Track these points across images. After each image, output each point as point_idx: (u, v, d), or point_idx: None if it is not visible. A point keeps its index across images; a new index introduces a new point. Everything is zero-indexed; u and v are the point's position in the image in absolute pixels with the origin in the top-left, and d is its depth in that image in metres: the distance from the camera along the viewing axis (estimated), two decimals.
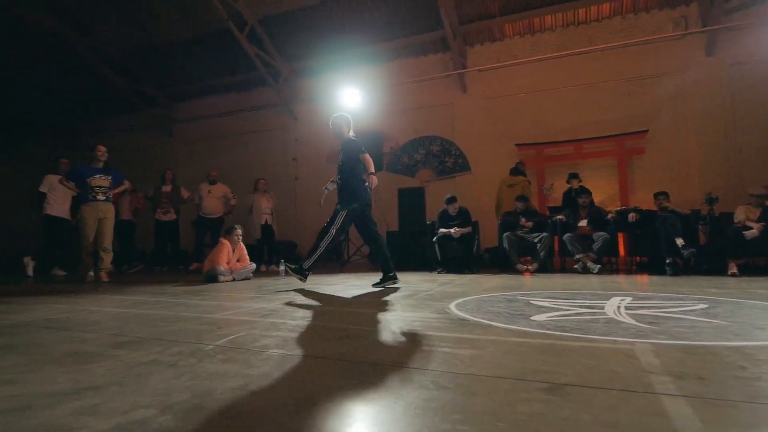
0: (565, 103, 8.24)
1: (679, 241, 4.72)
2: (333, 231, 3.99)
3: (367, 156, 4.01)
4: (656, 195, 5.52)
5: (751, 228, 4.68)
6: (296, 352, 1.49)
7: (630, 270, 5.81)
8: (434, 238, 6.07)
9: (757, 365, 1.25)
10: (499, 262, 6.40)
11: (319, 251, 4.01)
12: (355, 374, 1.22)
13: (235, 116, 11.03)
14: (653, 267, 5.37)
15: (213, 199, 7.65)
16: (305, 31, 9.46)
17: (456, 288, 3.80)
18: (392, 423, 0.87)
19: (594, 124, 7.94)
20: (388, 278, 3.98)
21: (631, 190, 7.62)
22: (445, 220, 6.18)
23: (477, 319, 2.12)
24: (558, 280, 4.60)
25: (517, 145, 8.55)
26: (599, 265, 5.27)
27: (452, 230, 5.97)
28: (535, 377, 1.15)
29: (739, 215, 4.91)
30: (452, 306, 2.60)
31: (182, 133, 11.82)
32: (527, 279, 4.84)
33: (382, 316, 2.25)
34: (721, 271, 4.84)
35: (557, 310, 2.42)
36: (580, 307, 2.51)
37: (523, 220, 6.20)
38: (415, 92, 9.42)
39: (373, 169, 3.94)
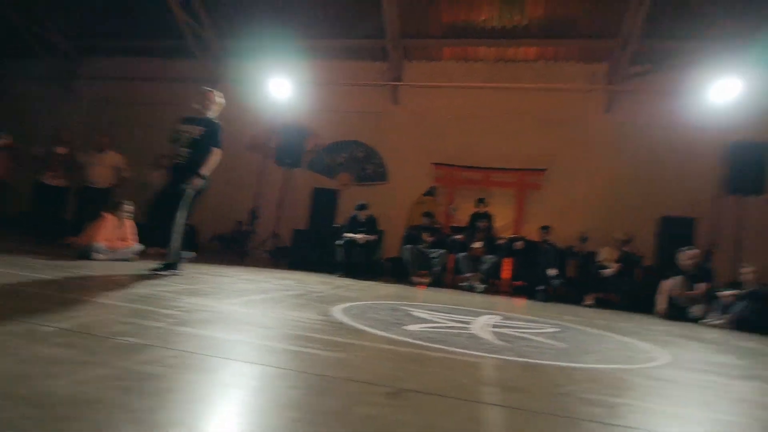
0: (484, 131, 8.80)
1: (551, 272, 5.30)
2: (184, 218, 3.67)
3: (216, 156, 3.72)
4: (541, 228, 6.14)
5: (609, 267, 5.40)
6: (149, 342, 1.40)
7: (510, 293, 6.36)
8: (339, 242, 6.15)
9: (571, 384, 1.48)
10: (398, 272, 6.64)
11: (175, 242, 3.65)
12: (208, 370, 1.23)
13: (151, 84, 10.20)
14: (529, 292, 5.94)
15: (101, 168, 6.85)
16: (245, 10, 9.10)
17: (349, 293, 3.89)
18: (223, 419, 0.91)
19: (504, 155, 8.58)
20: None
21: (525, 221, 8.34)
22: (354, 225, 6.29)
23: (355, 325, 2.21)
24: (446, 295, 4.90)
25: (434, 163, 8.96)
26: (484, 285, 5.71)
27: (358, 236, 6.09)
28: (384, 382, 1.25)
29: (602, 255, 5.65)
30: (337, 310, 2.67)
31: (87, 91, 10.66)
32: (420, 291, 5.10)
33: (261, 313, 2.26)
34: (580, 301, 5.50)
35: (432, 322, 2.60)
36: (453, 321, 2.72)
37: (425, 235, 6.51)
38: (346, 95, 9.46)
39: (206, 172, 3.65)
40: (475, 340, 2.11)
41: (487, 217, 6.45)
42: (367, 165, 9.57)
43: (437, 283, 6.07)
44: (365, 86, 9.19)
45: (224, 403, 1.00)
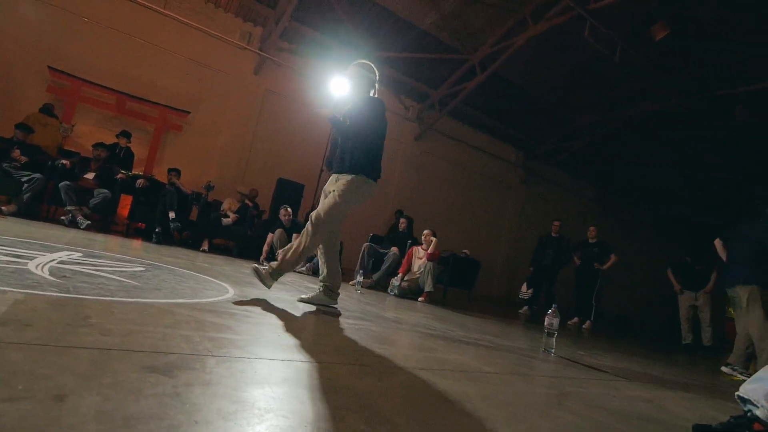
0: (124, 48, 7.60)
1: (171, 214, 5.22)
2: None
3: None
4: (169, 170, 5.92)
5: (228, 217, 5.81)
6: None
7: (125, 233, 5.87)
8: None
9: (105, 317, 1.47)
10: None
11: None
12: None
13: None
14: (147, 234, 5.66)
15: None
16: None
17: None
18: None
19: (145, 85, 7.71)
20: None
21: (158, 161, 7.84)
22: None
23: None
24: (30, 227, 4.03)
25: (50, 68, 7.09)
26: (89, 222, 5.03)
27: None
28: None
29: (224, 205, 6.01)
30: None
31: None
32: None
33: None
34: (197, 246, 5.69)
35: None
36: (8, 255, 2.25)
37: (17, 152, 5.13)
38: None
39: None
40: (16, 276, 1.80)
41: (104, 147, 5.68)
42: None
43: (26, 212, 4.92)
44: None
45: None
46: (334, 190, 2.78)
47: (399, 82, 10.14)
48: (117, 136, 6.49)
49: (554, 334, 2.87)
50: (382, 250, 5.67)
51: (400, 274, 5.13)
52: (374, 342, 2.06)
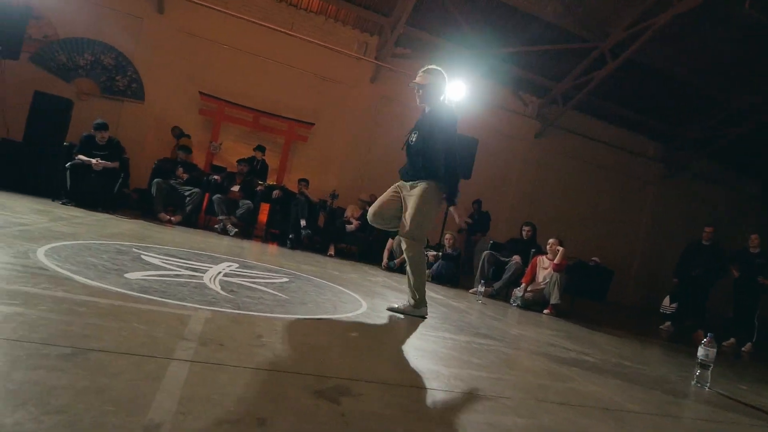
0: (257, 71, 8.49)
1: (303, 222, 5.71)
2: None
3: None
4: (299, 180, 6.47)
5: (351, 224, 6.17)
6: None
7: (264, 239, 6.57)
8: (68, 164, 5.12)
9: (272, 335, 1.69)
10: (145, 206, 6.02)
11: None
12: None
13: None
14: (282, 239, 6.27)
15: None
16: None
17: (69, 227, 3.35)
18: None
19: (274, 102, 8.51)
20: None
21: (288, 170, 8.61)
22: (89, 147, 5.31)
23: (61, 270, 1.95)
24: (194, 236, 4.73)
25: (201, 93, 8.22)
26: (236, 229, 5.73)
27: (95, 161, 5.19)
28: (65, 342, 1.18)
29: (347, 212, 6.38)
30: (42, 250, 2.29)
31: None
32: (166, 229, 4.77)
33: None
34: (325, 251, 6.14)
35: (161, 269, 2.51)
36: (186, 269, 2.68)
37: (180, 170, 6.04)
38: None
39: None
40: (199, 291, 2.15)
41: (248, 162, 6.42)
42: (117, 76, 8.10)
43: (188, 222, 5.78)
44: None
45: None
46: (412, 197, 2.75)
47: (517, 78, 9.75)
48: (254, 150, 7.28)
49: (710, 366, 2.54)
50: (503, 258, 5.53)
51: (523, 285, 4.96)
52: (506, 367, 2.05)
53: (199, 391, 1.07)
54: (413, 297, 2.82)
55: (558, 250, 4.91)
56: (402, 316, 2.72)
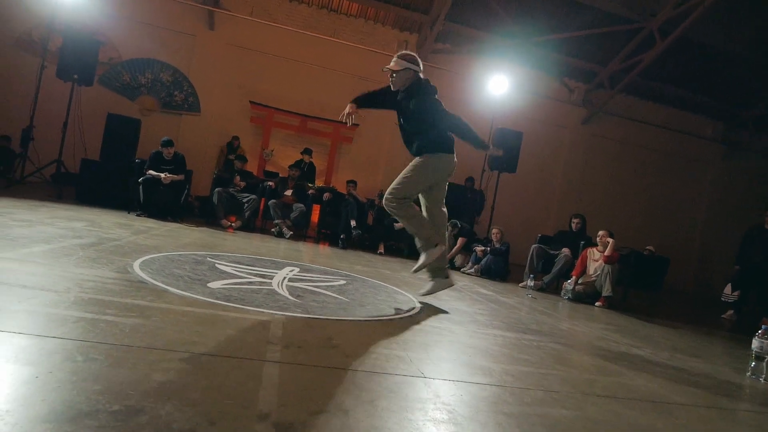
0: (302, 77, 8.84)
1: (353, 222, 5.98)
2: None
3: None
4: (348, 182, 6.75)
5: (399, 222, 6.38)
6: None
7: (316, 239, 6.91)
8: (140, 179, 5.65)
9: (340, 337, 1.92)
10: (206, 213, 6.49)
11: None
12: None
13: None
14: (333, 239, 6.58)
15: None
16: None
17: (150, 240, 3.76)
18: (25, 398, 1.01)
19: (319, 105, 8.83)
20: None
21: (335, 171, 8.94)
22: (158, 162, 5.81)
23: (156, 283, 2.28)
24: (254, 240, 5.11)
25: (251, 102, 8.67)
26: (291, 232, 6.09)
27: (163, 175, 5.68)
28: (182, 348, 1.46)
29: None
30: (136, 265, 2.65)
31: None
32: (228, 235, 5.17)
33: (47, 272, 2.13)
34: (375, 249, 6.40)
35: (235, 277, 2.82)
36: (255, 275, 2.99)
37: (237, 178, 6.46)
38: (156, 7, 8.23)
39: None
40: (271, 297, 2.43)
41: (298, 166, 6.77)
42: (175, 91, 8.71)
43: (247, 227, 6.19)
44: (174, 1, 8.14)
45: (19, 383, 1.07)
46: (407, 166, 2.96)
47: (561, 65, 9.56)
48: (301, 153, 7.64)
49: (765, 357, 2.54)
50: (552, 252, 5.55)
51: (573, 277, 4.98)
52: (555, 362, 2.18)
53: (291, 388, 1.31)
54: (424, 245, 3.01)
55: (608, 242, 4.89)
56: (481, 318, 2.91)
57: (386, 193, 2.94)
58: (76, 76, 6.29)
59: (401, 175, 2.94)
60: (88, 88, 6.91)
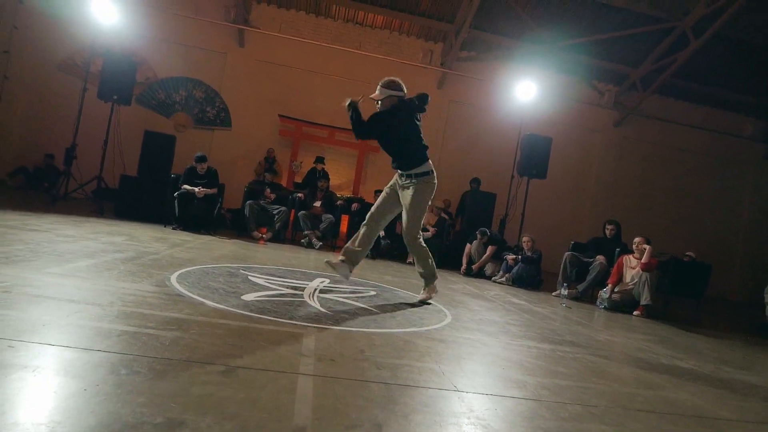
0: (329, 90, 8.98)
1: (381, 233, 5.99)
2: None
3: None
4: (376, 191, 6.77)
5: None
6: None
7: None
8: (176, 194, 5.85)
9: (372, 349, 1.93)
10: (238, 225, 6.65)
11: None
12: (44, 359, 1.30)
13: None
14: None
15: None
16: None
17: (185, 253, 3.88)
18: (74, 410, 1.06)
19: (347, 116, 8.93)
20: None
21: (363, 181, 9.00)
22: (192, 177, 6.01)
23: (193, 296, 2.35)
24: (284, 252, 5.19)
25: (280, 115, 8.87)
26: (321, 243, 6.15)
27: (197, 189, 5.87)
28: (219, 360, 1.50)
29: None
30: (174, 278, 2.74)
31: None
32: (260, 247, 5.28)
33: (91, 286, 2.22)
34: (405, 258, 6.39)
35: (268, 289, 2.87)
36: (287, 287, 3.04)
37: (267, 191, 6.60)
38: (188, 28, 8.56)
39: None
40: (304, 309, 2.46)
41: (326, 177, 6.85)
42: (207, 107, 9.01)
43: (276, 238, 6.30)
44: (209, 22, 8.44)
45: (68, 394, 1.12)
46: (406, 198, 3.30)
47: (589, 67, 9.38)
48: (314, 162, 7.77)
49: None
50: (585, 259, 5.41)
51: (609, 286, 4.83)
52: (593, 375, 2.11)
53: (325, 402, 1.32)
54: (428, 282, 3.37)
55: (645, 249, 4.72)
56: (513, 329, 2.87)
57: (406, 234, 3.28)
58: (115, 97, 6.59)
59: (410, 212, 3.25)
60: (126, 107, 7.23)
